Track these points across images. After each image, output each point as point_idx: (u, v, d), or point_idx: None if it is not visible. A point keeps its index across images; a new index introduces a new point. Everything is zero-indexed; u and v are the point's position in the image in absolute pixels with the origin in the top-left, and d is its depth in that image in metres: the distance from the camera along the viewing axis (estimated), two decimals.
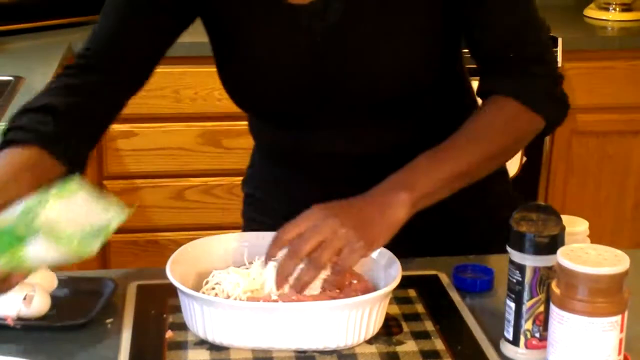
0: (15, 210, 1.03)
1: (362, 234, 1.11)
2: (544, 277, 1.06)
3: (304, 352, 1.09)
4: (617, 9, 3.22)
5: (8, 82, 2.28)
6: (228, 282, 1.13)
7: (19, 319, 1.14)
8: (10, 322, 1.13)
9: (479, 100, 1.35)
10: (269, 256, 1.13)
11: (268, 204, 1.48)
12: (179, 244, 1.22)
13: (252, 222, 1.51)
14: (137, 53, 1.30)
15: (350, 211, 1.13)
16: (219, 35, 1.34)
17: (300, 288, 1.10)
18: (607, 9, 3.22)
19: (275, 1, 1.27)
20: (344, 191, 1.18)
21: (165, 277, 1.11)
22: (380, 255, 1.18)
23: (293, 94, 1.31)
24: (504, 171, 1.52)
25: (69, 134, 1.21)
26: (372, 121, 1.33)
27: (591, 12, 3.26)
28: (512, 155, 1.33)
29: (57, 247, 1.02)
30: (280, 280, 1.11)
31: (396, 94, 1.30)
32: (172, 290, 1.12)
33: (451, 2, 1.27)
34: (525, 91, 1.28)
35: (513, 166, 2.83)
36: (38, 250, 1.02)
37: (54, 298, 1.18)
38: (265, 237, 1.21)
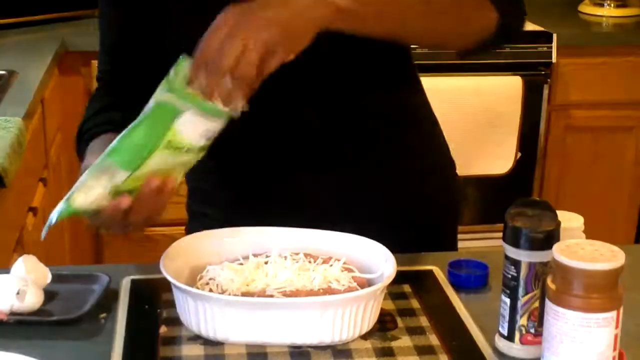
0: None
1: (280, 36, 1.04)
2: (539, 272, 1.06)
3: (299, 347, 1.08)
4: (612, 4, 3.22)
5: (1, 76, 2.27)
6: (222, 277, 1.12)
7: (12, 313, 1.13)
8: (3, 316, 1.13)
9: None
10: (193, 77, 1.05)
11: (211, 194, 1.45)
12: (173, 239, 1.21)
13: (197, 215, 1.48)
14: (139, 52, 1.34)
15: (267, 11, 1.05)
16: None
17: (230, 100, 1.05)
18: (602, 5, 3.23)
19: None
20: (286, 175, 1.17)
21: (159, 272, 1.11)
22: (375, 251, 1.18)
23: None
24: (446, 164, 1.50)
25: None
26: (316, 87, 1.30)
27: (586, 7, 3.26)
28: (453, 35, 1.26)
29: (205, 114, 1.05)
30: (209, 96, 1.05)
31: (351, 66, 1.28)
32: (166, 285, 1.12)
33: None
34: None
35: (507, 162, 2.84)
36: (190, 121, 1.05)
37: (47, 293, 1.17)
38: (261, 233, 1.21)
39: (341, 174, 1.36)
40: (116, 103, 1.33)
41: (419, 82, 1.45)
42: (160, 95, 1.07)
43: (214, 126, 1.07)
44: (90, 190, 1.05)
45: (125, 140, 1.06)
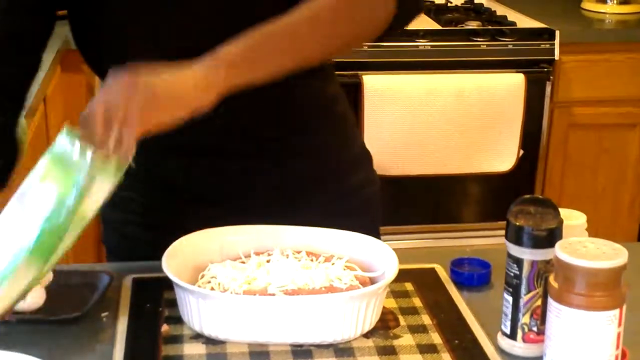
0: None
1: (145, 116, 1.06)
2: (542, 270, 1.06)
3: (301, 346, 1.08)
4: (615, 1, 3.21)
5: None
6: (224, 276, 1.12)
7: (14, 312, 1.13)
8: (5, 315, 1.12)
9: None
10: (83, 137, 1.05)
11: (128, 198, 1.39)
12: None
13: (111, 220, 1.44)
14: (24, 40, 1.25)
15: (148, 82, 1.06)
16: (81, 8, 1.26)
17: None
18: (605, 2, 3.22)
19: None
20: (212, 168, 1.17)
21: (161, 270, 1.11)
22: (377, 249, 1.18)
23: (164, 52, 1.17)
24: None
25: None
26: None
27: (589, 4, 3.25)
28: (355, 40, 1.23)
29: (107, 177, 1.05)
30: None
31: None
32: (168, 284, 1.12)
33: None
34: None
35: (510, 159, 2.83)
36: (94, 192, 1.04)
37: (49, 291, 1.17)
38: (263, 231, 1.21)
39: (248, 162, 1.33)
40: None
41: (333, 73, 1.41)
42: (56, 181, 1.04)
43: (115, 182, 1.07)
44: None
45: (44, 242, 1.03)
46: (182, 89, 1.08)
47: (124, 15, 1.24)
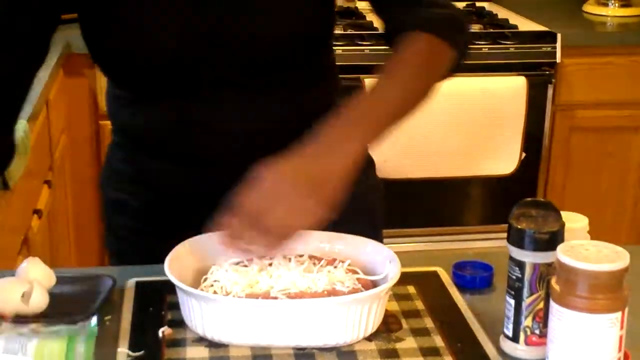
0: None
1: (315, 200, 1.11)
2: (544, 273, 1.06)
3: (303, 349, 1.08)
4: (617, 4, 3.21)
5: None
6: (227, 279, 1.12)
7: (17, 316, 1.13)
8: (8, 319, 1.13)
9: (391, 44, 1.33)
10: (220, 224, 1.12)
11: (129, 204, 1.41)
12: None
13: (114, 226, 1.46)
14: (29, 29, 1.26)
15: (300, 175, 1.12)
16: (93, 10, 1.29)
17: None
18: (607, 5, 3.22)
19: None
20: (216, 176, 1.18)
21: (163, 274, 1.11)
22: (379, 252, 1.18)
23: (174, 53, 1.26)
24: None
25: None
26: (251, 90, 1.29)
27: (590, 7, 3.26)
28: (432, 90, 1.30)
29: None
30: (230, 243, 1.11)
31: (276, 51, 1.28)
32: (170, 287, 1.12)
33: None
34: (436, 23, 1.29)
35: (512, 162, 2.83)
36: None
37: (52, 295, 1.17)
38: None
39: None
40: None
41: (338, 80, 1.44)
42: None
43: None
44: None
45: None
46: (334, 179, 1.14)
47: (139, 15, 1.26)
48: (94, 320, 1.09)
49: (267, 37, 1.27)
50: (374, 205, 1.47)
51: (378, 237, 1.41)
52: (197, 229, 1.22)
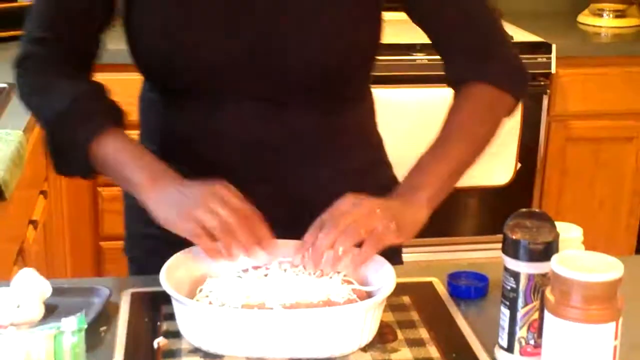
0: None
1: (396, 220, 1.17)
2: (539, 284, 1.06)
3: None
4: (611, 15, 3.23)
5: (2, 89, 2.27)
6: (222, 290, 1.12)
7: (12, 326, 1.13)
8: (3, 329, 1.13)
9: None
10: (308, 241, 1.16)
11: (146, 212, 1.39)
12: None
13: (135, 234, 1.45)
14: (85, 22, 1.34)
15: (382, 202, 1.19)
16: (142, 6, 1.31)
17: (332, 260, 1.14)
18: (601, 16, 3.24)
19: None
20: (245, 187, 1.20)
21: (159, 284, 1.11)
22: (374, 262, 1.18)
23: (213, 62, 1.28)
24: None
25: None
26: (292, 104, 1.31)
27: (585, 18, 3.27)
28: (492, 139, 1.37)
29: None
30: (316, 255, 1.14)
31: (329, 69, 1.29)
32: (166, 298, 1.12)
33: None
34: (501, 76, 1.35)
35: (507, 172, 2.84)
36: None
37: (47, 306, 1.17)
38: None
39: (288, 188, 1.35)
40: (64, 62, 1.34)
41: (371, 102, 1.46)
42: None
43: None
44: None
45: None
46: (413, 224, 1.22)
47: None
48: (80, 315, 1.07)
49: (310, 58, 1.28)
50: None
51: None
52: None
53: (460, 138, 1.31)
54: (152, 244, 1.34)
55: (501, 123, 1.36)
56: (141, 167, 1.24)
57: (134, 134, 1.38)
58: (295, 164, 1.33)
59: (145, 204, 1.21)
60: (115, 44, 1.39)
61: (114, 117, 1.30)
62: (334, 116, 1.35)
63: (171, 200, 1.19)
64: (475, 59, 1.34)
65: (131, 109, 1.38)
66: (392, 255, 1.23)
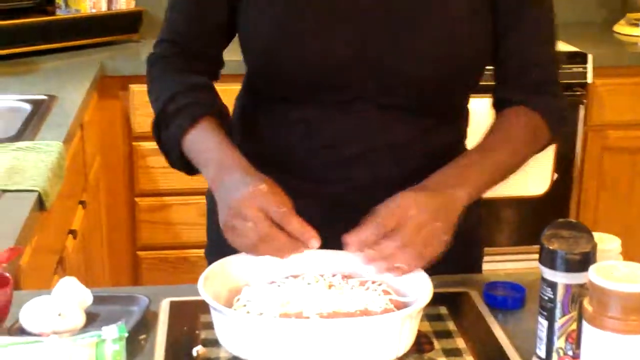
0: None
1: (443, 224, 1.19)
2: (576, 294, 1.06)
3: None
4: None
5: (42, 101, 2.31)
6: (259, 299, 1.13)
7: (54, 334, 1.15)
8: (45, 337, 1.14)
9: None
10: (363, 242, 1.16)
11: None
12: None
13: (216, 239, 1.40)
14: (214, 32, 1.39)
15: (430, 206, 1.19)
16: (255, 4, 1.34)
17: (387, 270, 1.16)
18: (638, 25, 3.21)
19: None
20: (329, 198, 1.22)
21: (197, 293, 1.12)
22: (412, 274, 1.18)
23: (329, 58, 1.30)
24: None
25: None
26: (393, 115, 1.33)
27: (621, 28, 3.25)
28: (528, 161, 1.40)
29: None
30: (380, 263, 1.16)
31: (439, 71, 1.31)
32: (204, 307, 1.13)
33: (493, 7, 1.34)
34: (547, 108, 1.38)
35: (544, 183, 2.83)
36: None
37: (88, 314, 1.19)
38: (297, 254, 1.21)
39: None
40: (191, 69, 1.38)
41: (468, 120, 1.49)
42: None
43: None
44: None
45: None
46: (455, 209, 1.22)
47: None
48: (120, 323, 1.08)
49: (417, 63, 1.30)
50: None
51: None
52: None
53: (504, 148, 1.33)
54: (232, 251, 1.35)
55: (539, 149, 1.40)
56: (216, 159, 1.25)
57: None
58: (383, 178, 1.35)
59: (216, 196, 1.23)
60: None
61: (210, 108, 1.32)
62: (433, 133, 1.38)
63: (222, 202, 1.21)
64: (530, 89, 1.38)
65: None
66: (473, 265, 1.32)
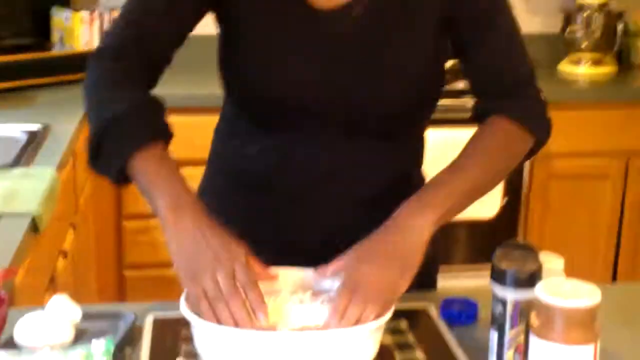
0: None
1: (400, 271, 1.14)
2: (524, 309, 1.07)
3: None
4: (588, 64, 3.25)
5: (37, 130, 2.30)
6: None
7: (43, 346, 1.13)
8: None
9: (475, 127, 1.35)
10: (338, 312, 1.10)
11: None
12: None
13: None
14: (164, 37, 1.28)
15: (386, 250, 1.14)
16: (231, 29, 1.31)
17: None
18: (579, 64, 3.26)
19: (296, 3, 1.27)
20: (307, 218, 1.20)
21: (179, 309, 1.11)
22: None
23: (305, 93, 1.29)
24: None
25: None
26: (363, 138, 1.32)
27: (564, 66, 3.29)
28: (508, 172, 1.34)
29: None
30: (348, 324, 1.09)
31: (403, 106, 1.30)
32: (185, 322, 1.12)
33: (452, 27, 1.30)
34: (522, 112, 1.31)
35: (494, 206, 2.84)
36: None
37: (78, 330, 1.18)
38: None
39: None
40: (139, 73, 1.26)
41: (422, 154, 1.46)
42: None
43: None
44: None
45: None
46: (415, 255, 1.16)
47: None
48: (108, 338, 1.07)
49: (384, 99, 1.29)
50: None
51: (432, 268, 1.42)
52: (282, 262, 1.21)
53: (476, 164, 1.25)
54: None
55: (518, 158, 1.32)
56: (167, 193, 1.15)
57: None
58: (341, 190, 1.33)
59: (165, 237, 1.15)
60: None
61: (163, 134, 1.20)
62: (395, 156, 1.36)
63: (185, 252, 1.11)
64: (502, 95, 1.31)
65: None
66: (427, 281, 1.27)
